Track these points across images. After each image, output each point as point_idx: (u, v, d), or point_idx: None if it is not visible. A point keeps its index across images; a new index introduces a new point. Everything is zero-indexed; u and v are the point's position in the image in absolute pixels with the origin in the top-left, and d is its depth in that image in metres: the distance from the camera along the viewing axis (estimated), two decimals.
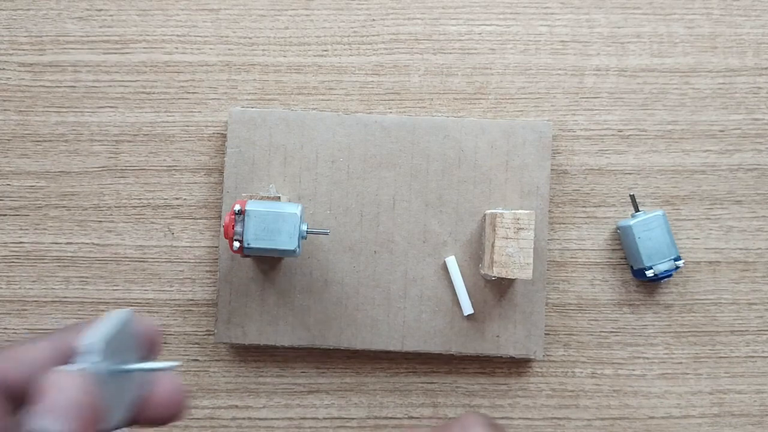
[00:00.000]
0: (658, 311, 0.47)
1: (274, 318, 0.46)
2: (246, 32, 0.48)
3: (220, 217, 0.47)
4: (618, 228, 0.47)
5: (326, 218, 0.46)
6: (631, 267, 0.47)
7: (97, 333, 0.26)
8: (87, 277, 0.47)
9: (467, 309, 0.46)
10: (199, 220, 0.48)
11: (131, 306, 0.47)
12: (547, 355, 0.47)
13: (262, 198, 0.43)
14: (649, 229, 0.45)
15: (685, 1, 0.48)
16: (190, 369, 0.47)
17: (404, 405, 0.47)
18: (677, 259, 0.46)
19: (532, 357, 0.46)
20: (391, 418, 0.47)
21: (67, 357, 0.28)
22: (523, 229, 0.42)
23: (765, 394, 0.47)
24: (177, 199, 0.48)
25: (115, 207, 0.47)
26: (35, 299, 0.47)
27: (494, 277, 0.43)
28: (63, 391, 0.26)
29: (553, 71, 0.48)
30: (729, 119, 0.48)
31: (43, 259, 0.47)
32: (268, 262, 0.46)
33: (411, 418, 0.47)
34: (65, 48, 0.48)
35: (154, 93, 0.48)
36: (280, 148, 0.46)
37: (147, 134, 0.48)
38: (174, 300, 0.47)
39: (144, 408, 0.28)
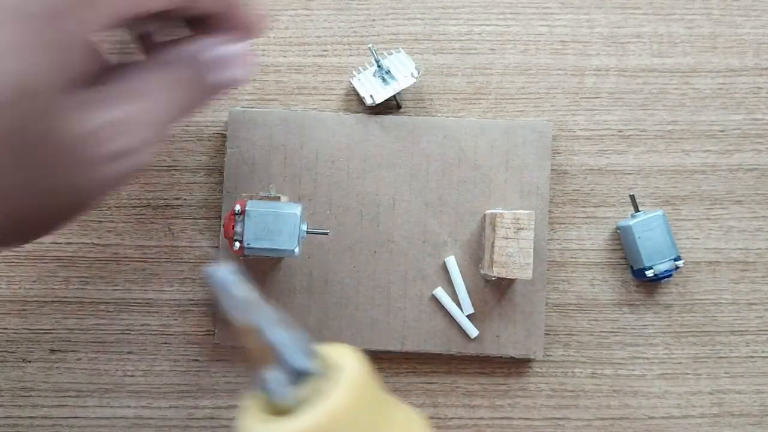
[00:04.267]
0: (658, 311, 0.47)
1: None
2: None
3: (220, 217, 0.47)
4: (618, 228, 0.47)
5: (326, 218, 0.46)
6: (631, 267, 0.47)
7: None
8: (87, 277, 0.47)
9: (467, 309, 0.46)
10: (199, 220, 0.48)
11: (131, 306, 0.47)
12: (547, 355, 0.47)
13: (262, 198, 0.43)
14: (649, 229, 0.45)
15: (685, 1, 0.48)
16: (190, 369, 0.47)
17: None
18: (677, 259, 0.46)
19: (532, 357, 0.46)
20: None
21: None
22: (523, 229, 0.42)
23: (765, 394, 0.47)
24: (177, 199, 0.48)
25: (115, 207, 0.47)
26: (35, 299, 0.47)
27: (494, 277, 0.43)
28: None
29: (553, 71, 0.48)
30: (729, 119, 0.48)
31: (43, 259, 0.47)
32: (268, 262, 0.46)
33: None
34: None
35: None
36: (280, 148, 0.46)
37: None
38: (174, 300, 0.47)
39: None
